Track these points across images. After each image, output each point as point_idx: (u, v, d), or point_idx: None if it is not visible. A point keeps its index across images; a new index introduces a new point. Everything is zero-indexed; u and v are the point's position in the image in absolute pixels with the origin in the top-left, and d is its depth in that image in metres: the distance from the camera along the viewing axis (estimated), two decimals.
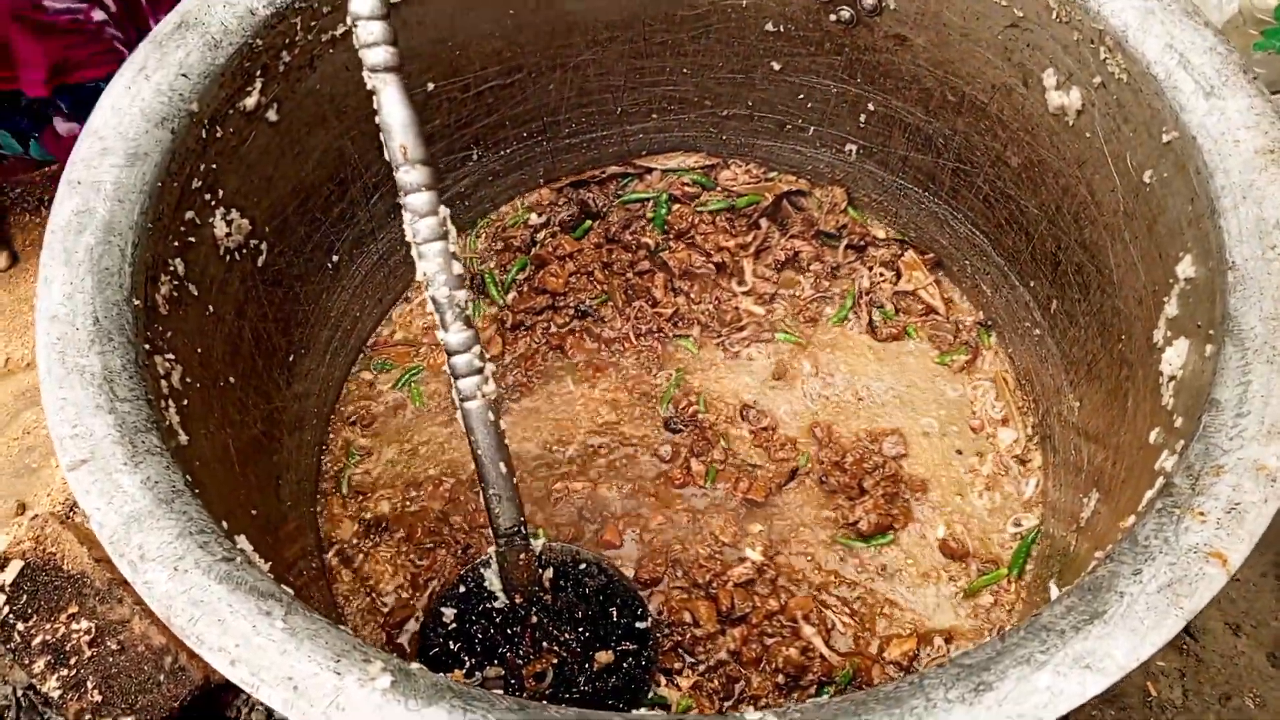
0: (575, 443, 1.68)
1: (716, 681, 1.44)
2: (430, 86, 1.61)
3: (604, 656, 1.33)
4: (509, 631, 1.33)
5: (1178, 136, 1.21)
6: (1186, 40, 1.25)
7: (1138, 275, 1.32)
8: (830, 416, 1.72)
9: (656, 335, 1.80)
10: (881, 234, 1.91)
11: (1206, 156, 1.17)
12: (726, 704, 1.44)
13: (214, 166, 1.27)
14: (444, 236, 1.16)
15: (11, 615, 1.56)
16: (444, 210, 1.16)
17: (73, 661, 1.53)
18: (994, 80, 1.52)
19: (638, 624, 1.35)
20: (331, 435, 1.71)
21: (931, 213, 1.82)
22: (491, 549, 1.30)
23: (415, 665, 0.86)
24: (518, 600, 1.33)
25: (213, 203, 1.28)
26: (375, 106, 1.15)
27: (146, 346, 1.08)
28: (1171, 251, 1.23)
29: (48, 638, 1.55)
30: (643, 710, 1.39)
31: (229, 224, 1.32)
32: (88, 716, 1.50)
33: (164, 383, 1.10)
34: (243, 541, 1.00)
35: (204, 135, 1.24)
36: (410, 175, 1.14)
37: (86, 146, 1.15)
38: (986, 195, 1.68)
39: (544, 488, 1.64)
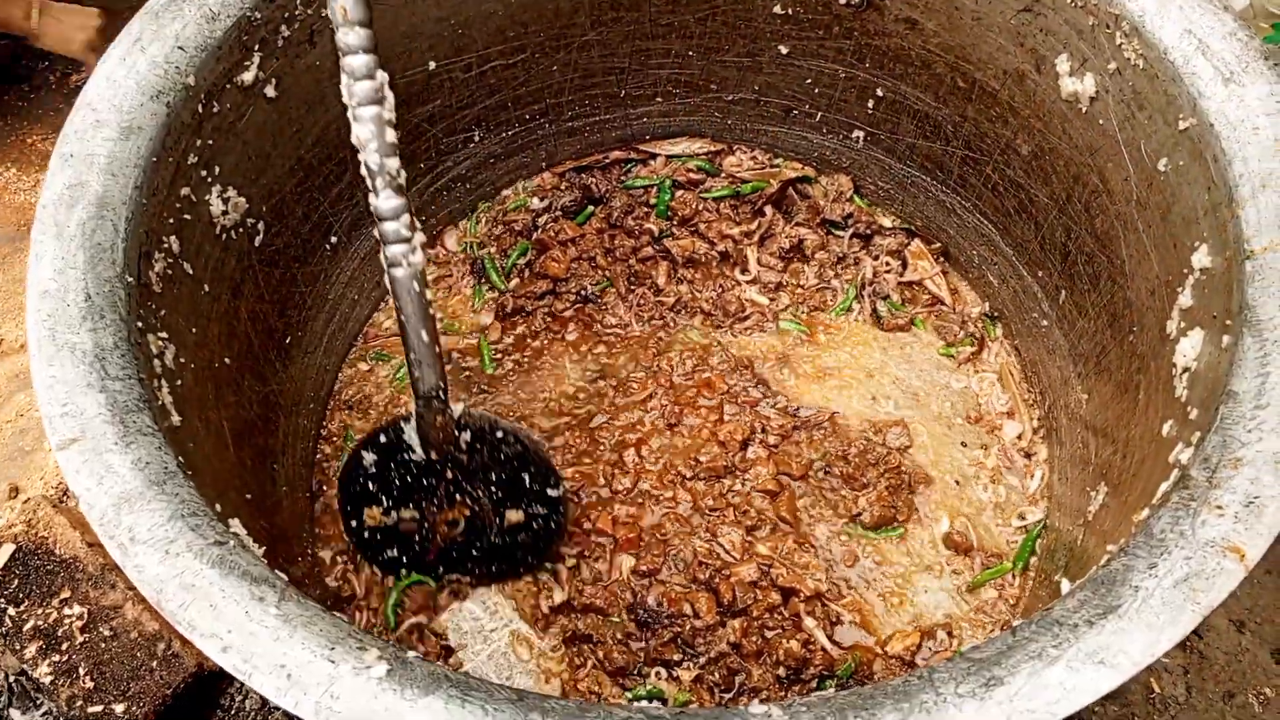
0: (573, 429, 1.66)
1: (717, 674, 1.42)
2: (432, 65, 1.58)
3: (514, 515, 1.43)
4: (425, 482, 1.40)
5: (1195, 124, 1.19)
6: (1206, 25, 1.22)
7: (1151, 265, 1.30)
8: (834, 407, 1.70)
9: (659, 323, 1.78)
10: (888, 223, 1.89)
11: (1225, 144, 1.15)
12: (727, 697, 1.42)
13: (210, 142, 1.24)
14: (380, 101, 1.16)
15: (3, 600, 1.54)
16: (382, 75, 1.16)
17: (65, 647, 1.51)
18: (1006, 66, 1.50)
19: (549, 491, 1.42)
20: (328, 419, 1.68)
21: (939, 201, 1.80)
22: (413, 405, 1.35)
23: (412, 654, 0.84)
24: (434, 456, 1.38)
25: (209, 179, 1.25)
26: None
27: (139, 325, 1.05)
28: (1186, 241, 1.21)
29: (39, 623, 1.53)
30: (645, 703, 1.38)
31: (225, 202, 1.29)
32: (79, 703, 1.48)
33: (157, 362, 1.07)
34: (236, 525, 0.97)
35: (200, 110, 1.22)
36: (349, 37, 1.13)
37: (80, 119, 1.12)
38: (995, 184, 1.66)
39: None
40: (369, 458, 1.40)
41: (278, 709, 1.59)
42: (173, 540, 0.88)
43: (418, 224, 1.25)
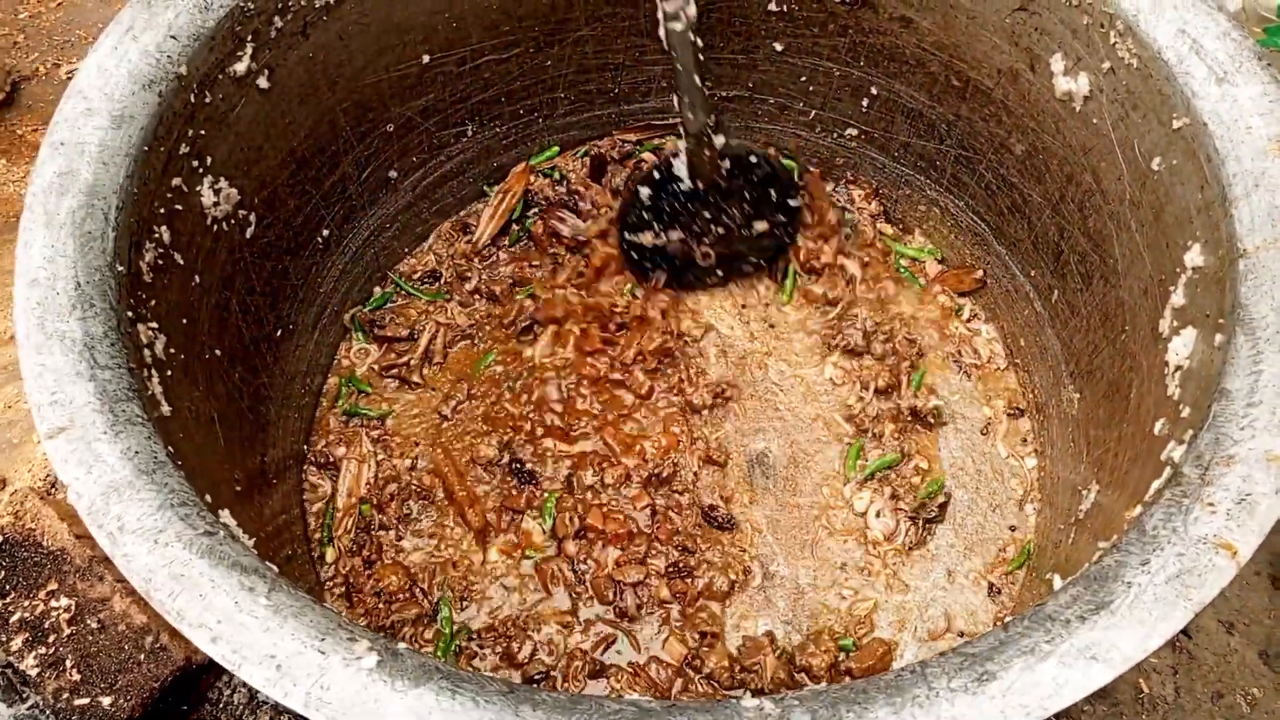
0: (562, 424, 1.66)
1: None
2: (426, 59, 1.58)
3: (760, 225, 1.70)
4: (689, 206, 1.66)
5: (1188, 123, 1.19)
6: (1199, 25, 1.23)
7: (1143, 265, 1.30)
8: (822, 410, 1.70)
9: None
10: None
11: (1218, 143, 1.15)
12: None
13: (202, 133, 1.23)
14: None
15: None
16: None
17: (51, 639, 1.50)
18: (1000, 65, 1.50)
19: (790, 201, 1.70)
20: (319, 413, 1.67)
21: (932, 200, 1.80)
22: (681, 143, 1.60)
23: (402, 645, 0.83)
24: (700, 186, 1.63)
25: (200, 170, 1.24)
26: None
27: (129, 314, 1.05)
28: (1179, 240, 1.21)
29: (26, 615, 1.52)
30: (635, 695, 1.38)
31: (217, 193, 1.28)
32: (66, 695, 1.46)
33: (147, 352, 1.07)
34: (226, 516, 0.97)
35: (192, 100, 1.21)
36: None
37: (70, 107, 1.11)
38: (989, 183, 1.66)
39: (532, 450, 1.61)
40: (644, 191, 1.66)
41: (265, 703, 1.58)
42: (162, 530, 0.87)
43: None
